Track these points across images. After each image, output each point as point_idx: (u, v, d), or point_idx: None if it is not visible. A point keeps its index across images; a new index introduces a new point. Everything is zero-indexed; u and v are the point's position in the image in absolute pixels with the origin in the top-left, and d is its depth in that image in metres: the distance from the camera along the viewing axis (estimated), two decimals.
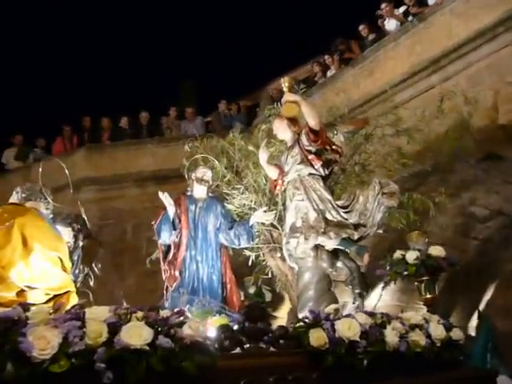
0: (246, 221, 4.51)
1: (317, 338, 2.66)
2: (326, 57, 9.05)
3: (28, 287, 2.39)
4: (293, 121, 4.12)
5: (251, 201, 4.87)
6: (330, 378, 2.67)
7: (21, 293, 2.35)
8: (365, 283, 3.94)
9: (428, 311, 3.90)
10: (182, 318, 2.16)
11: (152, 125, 10.20)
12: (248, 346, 2.51)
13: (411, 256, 3.98)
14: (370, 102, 6.82)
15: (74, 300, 2.54)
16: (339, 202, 4.01)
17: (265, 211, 4.48)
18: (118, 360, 1.89)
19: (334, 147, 4.18)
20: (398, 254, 4.11)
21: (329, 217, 3.90)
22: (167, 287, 4.25)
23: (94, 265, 3.03)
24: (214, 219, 4.49)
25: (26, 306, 1.88)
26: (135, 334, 1.96)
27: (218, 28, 15.11)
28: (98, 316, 1.98)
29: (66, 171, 3.44)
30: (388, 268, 4.11)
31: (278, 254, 4.60)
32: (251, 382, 2.36)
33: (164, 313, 2.18)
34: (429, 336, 3.32)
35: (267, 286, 5.29)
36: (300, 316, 3.21)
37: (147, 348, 1.95)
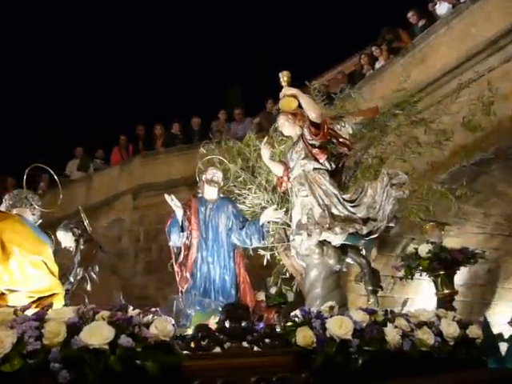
0: (256, 220, 4.44)
1: (303, 336, 2.55)
2: (374, 48, 8.70)
3: (8, 290, 2.48)
4: (297, 115, 4.02)
5: (263, 200, 4.80)
6: (321, 378, 2.55)
7: (1, 296, 2.44)
8: (377, 279, 3.76)
9: (446, 308, 3.66)
10: (149, 318, 2.13)
11: (203, 129, 10.32)
12: (229, 345, 2.44)
13: (423, 249, 3.75)
14: (423, 90, 6.46)
15: (59, 302, 2.60)
16: (346, 196, 3.86)
17: (275, 209, 4.40)
18: (76, 360, 1.90)
19: (341, 140, 4.05)
20: (411, 247, 3.88)
21: (335, 212, 3.77)
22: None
23: (90, 268, 3.09)
24: (226, 220, 4.46)
25: None
26: (96, 334, 1.96)
27: (262, 25, 15.07)
28: (60, 316, 2.00)
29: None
30: (401, 263, 3.89)
31: (292, 253, 4.50)
32: (230, 383, 2.30)
33: (131, 312, 2.17)
34: (440, 334, 3.10)
35: (288, 286, 5.19)
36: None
37: (106, 347, 1.95)
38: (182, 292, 4.24)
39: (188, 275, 4.21)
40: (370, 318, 2.87)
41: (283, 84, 3.88)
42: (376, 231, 3.80)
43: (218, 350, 2.42)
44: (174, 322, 2.24)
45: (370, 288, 3.75)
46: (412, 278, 3.93)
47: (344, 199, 3.84)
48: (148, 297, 7.76)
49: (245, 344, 2.50)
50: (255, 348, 2.54)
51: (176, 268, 4.27)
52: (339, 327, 2.63)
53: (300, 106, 3.88)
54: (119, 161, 10.51)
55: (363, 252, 3.92)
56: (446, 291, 3.74)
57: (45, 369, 1.84)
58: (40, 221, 2.96)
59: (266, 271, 5.10)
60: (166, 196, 4.16)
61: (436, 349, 3.03)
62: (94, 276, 3.04)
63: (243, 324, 2.52)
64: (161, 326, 2.11)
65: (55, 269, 2.66)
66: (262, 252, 4.79)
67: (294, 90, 3.82)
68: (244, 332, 2.50)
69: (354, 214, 3.80)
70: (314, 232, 3.63)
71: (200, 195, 4.56)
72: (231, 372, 2.35)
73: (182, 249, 4.29)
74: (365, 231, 3.74)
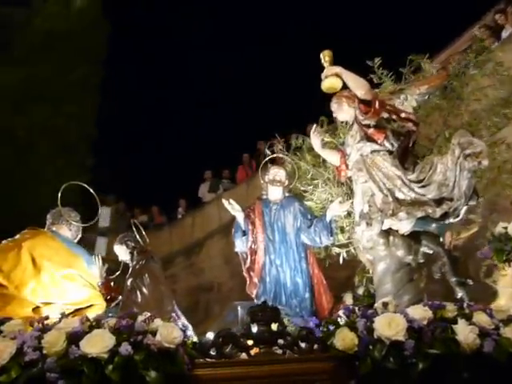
0: (324, 216, 4.12)
1: (342, 338, 2.22)
2: (497, 16, 7.52)
3: (44, 303, 2.57)
4: (351, 97, 3.65)
5: (330, 194, 4.45)
6: None
7: (36, 309, 2.54)
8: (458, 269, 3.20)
9: None
10: (152, 325, 2.02)
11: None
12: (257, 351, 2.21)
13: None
14: None
15: (98, 313, 2.62)
16: (412, 176, 3.37)
17: (340, 202, 4.03)
18: (74, 370, 1.85)
19: (402, 115, 3.58)
20: (499, 227, 3.24)
21: (400, 195, 3.31)
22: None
23: (139, 279, 3.09)
24: (293, 219, 4.21)
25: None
26: (96, 342, 1.90)
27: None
28: (67, 326, 1.98)
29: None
30: (488, 248, 3.26)
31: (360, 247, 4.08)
32: None
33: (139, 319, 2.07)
34: None
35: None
36: None
37: (105, 356, 1.87)
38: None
39: (256, 280, 4.04)
40: (433, 315, 2.40)
41: (325, 64, 3.55)
42: (453, 212, 3.25)
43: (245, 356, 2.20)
44: (184, 328, 2.08)
45: (454, 280, 3.19)
46: (508, 263, 3.24)
47: (410, 180, 3.36)
48: None
49: (275, 349, 2.25)
50: (288, 353, 2.26)
51: (245, 274, 4.12)
52: (388, 326, 2.23)
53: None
54: (244, 178, 10.77)
55: (442, 239, 3.38)
56: None
57: (43, 379, 1.82)
58: (79, 236, 3.08)
59: (345, 271, 4.71)
60: (224, 201, 4.06)
61: None
62: (143, 287, 3.04)
63: (273, 327, 2.27)
64: (165, 333, 1.97)
65: (92, 281, 2.71)
66: (337, 250, 4.43)
67: (336, 69, 3.46)
68: (273, 336, 2.25)
69: (424, 195, 3.30)
70: (374, 220, 3.22)
71: (264, 197, 4.38)
72: (259, 381, 2.12)
73: (249, 253, 4.14)
74: (438, 214, 3.21)
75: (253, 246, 4.16)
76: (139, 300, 2.97)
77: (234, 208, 4.08)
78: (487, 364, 2.34)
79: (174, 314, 2.46)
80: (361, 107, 3.42)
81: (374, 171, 3.42)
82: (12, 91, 11.63)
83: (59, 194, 2.96)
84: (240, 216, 4.11)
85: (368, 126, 3.49)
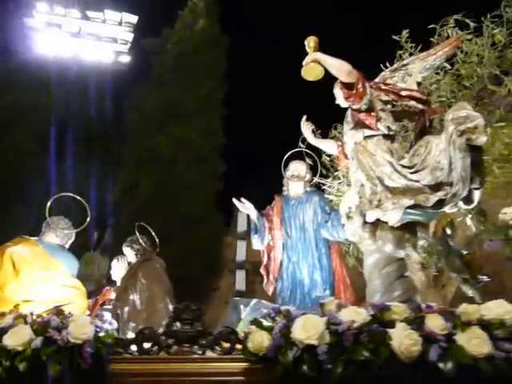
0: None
1: (253, 340, 2.14)
2: None
3: (23, 301, 2.93)
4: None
5: (349, 185, 4.17)
6: None
7: (16, 306, 2.90)
8: (460, 263, 2.78)
9: None
10: (65, 320, 2.20)
11: None
12: (176, 349, 2.26)
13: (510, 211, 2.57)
14: None
15: (78, 310, 2.91)
16: (405, 161, 3.02)
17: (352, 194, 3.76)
18: None
19: (403, 93, 3.24)
20: (502, 214, 2.72)
21: (390, 184, 3.00)
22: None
23: (132, 279, 3.32)
24: (313, 214, 4.07)
25: None
26: (15, 336, 2.15)
27: None
28: (3, 321, 2.28)
29: None
30: (491, 238, 2.76)
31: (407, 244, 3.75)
32: None
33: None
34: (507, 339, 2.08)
35: None
36: None
37: (18, 349, 2.11)
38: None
39: (272, 278, 4.00)
40: (374, 317, 2.16)
41: (308, 50, 3.37)
42: (452, 199, 2.84)
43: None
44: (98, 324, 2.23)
45: (455, 276, 2.80)
46: None
47: (403, 166, 3.02)
48: None
49: (195, 349, 2.26)
50: (209, 353, 2.25)
51: (262, 271, 4.11)
52: (302, 329, 2.09)
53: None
54: None
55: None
56: None
57: None
58: (69, 241, 3.45)
59: None
60: (234, 200, 4.10)
61: (502, 364, 2.02)
62: (136, 286, 3.25)
63: (195, 326, 2.29)
64: (73, 328, 2.14)
65: (71, 282, 3.03)
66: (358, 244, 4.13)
67: (315, 55, 3.26)
68: (195, 335, 2.27)
69: (417, 181, 2.94)
70: (354, 213, 2.98)
71: (285, 193, 4.31)
72: (172, 379, 2.17)
73: (265, 251, 4.12)
74: (431, 202, 2.84)
75: (270, 244, 4.13)
76: (130, 298, 3.20)
77: (245, 206, 4.09)
78: (431, 374, 2.02)
79: (101, 312, 2.61)
80: (344, 91, 3.18)
81: (364, 159, 3.14)
82: (154, 112, 13.23)
83: (48, 205, 3.37)
84: (253, 214, 4.10)
85: (359, 111, 3.23)
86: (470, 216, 3.47)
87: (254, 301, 3.58)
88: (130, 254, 3.76)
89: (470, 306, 2.22)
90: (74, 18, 20.11)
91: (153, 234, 3.76)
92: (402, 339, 2.03)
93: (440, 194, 2.82)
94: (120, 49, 21.49)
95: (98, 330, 2.20)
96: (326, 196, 4.30)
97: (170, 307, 3.28)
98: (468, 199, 2.95)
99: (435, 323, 2.10)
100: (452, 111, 2.86)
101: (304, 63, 3.30)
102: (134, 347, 2.24)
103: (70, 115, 14.86)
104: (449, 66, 3.72)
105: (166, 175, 12.04)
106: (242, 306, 3.63)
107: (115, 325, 2.34)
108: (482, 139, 2.68)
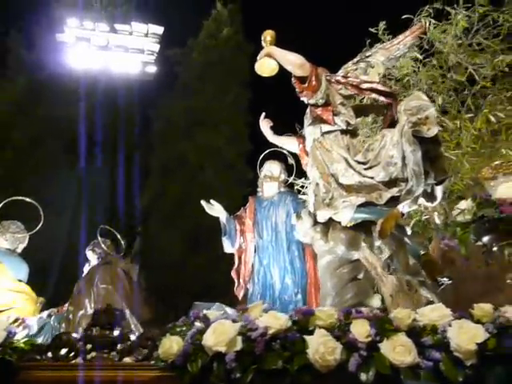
0: None
1: (163, 346, 2.02)
2: None
3: None
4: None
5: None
6: None
7: None
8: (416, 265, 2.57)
9: None
10: None
11: None
12: (94, 355, 2.17)
13: (464, 207, 2.34)
14: None
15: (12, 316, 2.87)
16: (360, 157, 2.84)
17: None
18: None
19: (364, 86, 3.06)
20: (456, 210, 2.49)
21: (344, 181, 2.82)
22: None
23: (90, 281, 3.27)
24: (285, 216, 3.91)
25: None
26: None
27: None
28: None
29: None
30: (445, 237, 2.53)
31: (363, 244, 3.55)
32: None
33: None
34: (444, 346, 1.87)
35: None
36: None
37: None
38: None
39: (242, 282, 3.87)
40: (287, 323, 2.00)
41: (264, 45, 3.24)
42: (407, 196, 2.63)
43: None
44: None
45: (409, 278, 2.59)
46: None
47: (358, 162, 2.84)
48: None
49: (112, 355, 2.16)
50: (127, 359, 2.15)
51: (233, 275, 3.98)
52: (212, 335, 1.95)
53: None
54: None
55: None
56: None
57: None
58: (21, 245, 3.46)
59: None
60: (203, 202, 3.99)
61: (428, 374, 1.82)
62: (93, 287, 3.21)
63: (114, 332, 2.19)
64: None
65: (18, 286, 3.02)
66: None
67: (268, 49, 3.13)
68: (112, 341, 2.17)
69: (372, 178, 2.75)
70: (304, 213, 2.82)
71: (259, 194, 4.17)
72: None
73: (236, 254, 3.99)
74: (384, 199, 2.64)
75: (242, 246, 4.00)
76: (85, 302, 3.15)
77: (214, 209, 3.98)
78: None
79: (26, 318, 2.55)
80: (297, 86, 3.03)
81: (320, 155, 2.98)
82: (180, 120, 13.46)
83: None
84: (223, 216, 3.99)
85: (316, 106, 3.07)
86: (436, 214, 3.24)
87: (216, 305, 3.46)
88: (92, 258, 3.74)
89: (403, 310, 2.02)
90: (103, 32, 20.72)
91: (118, 237, 3.72)
92: (318, 347, 1.86)
93: (393, 191, 2.63)
94: (147, 59, 21.95)
95: (11, 335, 2.14)
96: (301, 196, 4.11)
97: (128, 312, 3.21)
98: (431, 196, 2.74)
99: (359, 330, 1.92)
100: (406, 101, 2.66)
101: (258, 58, 3.18)
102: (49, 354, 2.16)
103: (100, 125, 15.25)
104: (419, 57, 3.48)
105: (194, 182, 12.12)
106: (204, 311, 3.52)
107: (33, 330, 2.28)
108: (432, 131, 2.47)
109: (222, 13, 15.45)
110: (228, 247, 4.00)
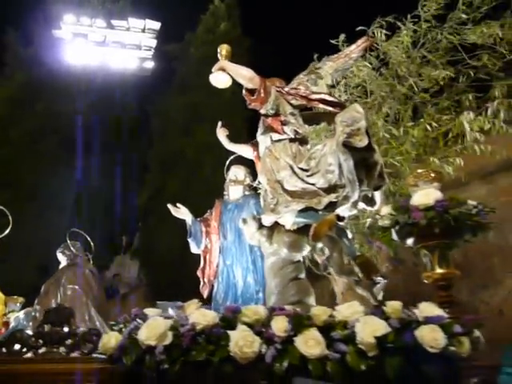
0: None
1: (103, 341, 2.24)
2: None
3: None
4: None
5: None
6: None
7: None
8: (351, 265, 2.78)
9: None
10: None
11: None
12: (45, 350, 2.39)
13: (384, 213, 2.54)
14: None
15: None
16: (303, 165, 3.03)
17: None
18: None
19: (313, 97, 3.24)
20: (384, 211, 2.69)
21: (288, 187, 3.02)
22: None
23: (56, 282, 3.47)
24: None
25: None
26: None
27: None
28: None
29: None
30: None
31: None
32: None
33: None
34: (351, 339, 2.08)
35: None
36: None
37: None
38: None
39: (207, 281, 4.07)
40: (215, 319, 2.21)
41: (219, 57, 3.43)
42: (344, 201, 2.83)
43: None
44: None
45: (344, 277, 2.79)
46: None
47: (302, 169, 3.04)
48: (461, 302, 6.89)
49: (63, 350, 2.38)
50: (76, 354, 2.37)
51: (198, 274, 4.19)
52: (145, 330, 2.17)
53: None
54: None
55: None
56: (440, 270, 2.32)
57: None
58: None
59: None
60: (169, 206, 4.16)
61: (334, 364, 2.03)
62: (59, 288, 3.42)
63: (64, 328, 2.41)
64: None
65: None
66: None
67: (221, 63, 3.33)
68: (61, 336, 2.39)
69: (314, 184, 2.95)
70: (249, 218, 3.02)
71: (226, 197, 4.37)
72: (37, 379, 2.29)
73: (202, 255, 4.19)
74: (323, 205, 2.84)
75: (208, 247, 4.19)
76: (51, 302, 3.36)
77: (179, 211, 4.17)
78: (267, 375, 2.05)
79: None
80: (247, 98, 3.23)
81: (269, 163, 3.18)
82: (178, 116, 13.58)
83: None
84: (188, 219, 4.18)
85: (267, 116, 3.26)
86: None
87: (179, 304, 3.66)
88: (62, 260, 3.95)
89: (321, 308, 2.23)
90: (100, 28, 20.81)
91: (88, 239, 3.92)
92: (237, 341, 2.07)
93: (331, 197, 2.82)
94: (144, 55, 22.04)
95: None
96: None
97: (93, 312, 3.42)
98: (371, 200, 2.94)
99: (278, 325, 2.13)
100: (342, 113, 2.85)
101: (212, 70, 3.37)
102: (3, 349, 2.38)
103: (97, 121, 15.38)
104: (369, 66, 3.66)
105: (193, 178, 12.26)
106: (169, 309, 3.73)
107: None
108: (363, 142, 2.66)
109: (220, 7, 15.49)
110: (194, 248, 4.20)
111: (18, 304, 4.05)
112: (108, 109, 16.40)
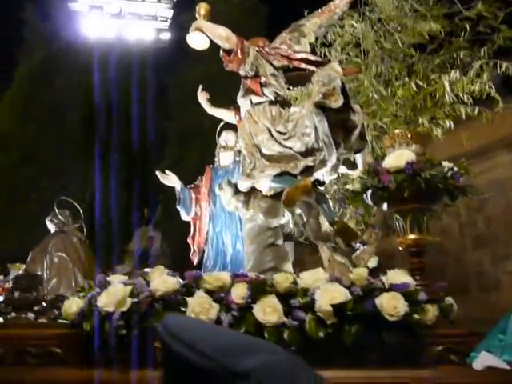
0: None
1: (64, 307, 2.23)
2: None
3: None
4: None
5: None
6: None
7: None
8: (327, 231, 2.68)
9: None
10: None
11: None
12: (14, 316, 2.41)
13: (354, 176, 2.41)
14: None
15: None
16: (281, 128, 2.91)
17: None
18: None
19: (296, 57, 3.09)
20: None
21: (265, 151, 2.91)
22: None
23: (42, 250, 3.51)
24: None
25: None
26: None
27: None
28: None
29: None
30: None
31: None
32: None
33: None
34: (308, 308, 2.01)
35: None
36: None
37: None
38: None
39: (197, 248, 4.05)
40: (176, 286, 2.17)
41: (197, 17, 3.28)
42: (321, 165, 2.71)
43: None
44: None
45: (320, 244, 2.70)
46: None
47: (280, 132, 2.91)
48: (484, 273, 6.74)
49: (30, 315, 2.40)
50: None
51: (189, 241, 4.16)
52: (105, 297, 2.15)
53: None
54: None
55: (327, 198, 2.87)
56: (412, 236, 2.19)
57: None
58: None
59: None
60: (157, 173, 4.13)
61: (292, 332, 1.97)
62: (46, 256, 3.45)
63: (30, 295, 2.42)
64: None
65: None
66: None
67: (198, 23, 3.18)
68: (29, 303, 2.40)
69: (290, 148, 2.83)
70: (225, 183, 2.94)
71: (216, 164, 4.30)
72: (6, 343, 2.31)
73: (192, 222, 4.16)
74: (299, 169, 2.73)
75: (198, 214, 4.15)
76: (38, 267, 3.40)
77: (168, 178, 4.13)
78: None
79: None
80: (224, 58, 3.09)
81: (248, 127, 3.07)
82: (196, 86, 13.50)
83: None
84: (177, 186, 4.14)
85: (246, 77, 3.13)
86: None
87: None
88: (51, 228, 3.98)
89: (284, 274, 2.16)
90: None
91: (77, 207, 3.93)
92: (194, 307, 2.03)
93: (308, 161, 2.71)
94: (160, 26, 21.80)
95: None
96: None
97: (80, 279, 3.45)
98: (353, 164, 2.81)
99: (237, 292, 2.07)
100: (319, 72, 2.70)
101: (190, 30, 3.23)
102: None
103: (116, 94, 15.40)
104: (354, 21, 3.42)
105: (210, 149, 12.26)
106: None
107: None
108: (337, 103, 2.51)
109: None
110: (183, 215, 4.17)
111: (21, 271, 4.12)
112: (125, 81, 16.34)
